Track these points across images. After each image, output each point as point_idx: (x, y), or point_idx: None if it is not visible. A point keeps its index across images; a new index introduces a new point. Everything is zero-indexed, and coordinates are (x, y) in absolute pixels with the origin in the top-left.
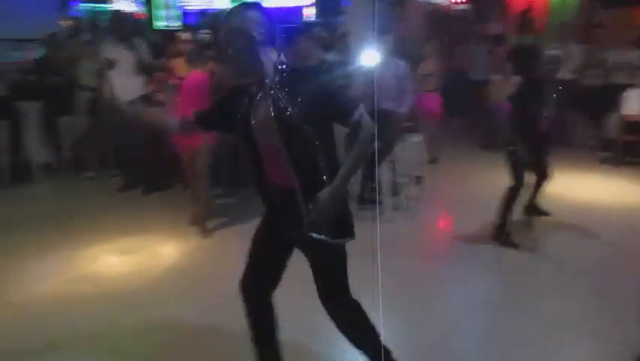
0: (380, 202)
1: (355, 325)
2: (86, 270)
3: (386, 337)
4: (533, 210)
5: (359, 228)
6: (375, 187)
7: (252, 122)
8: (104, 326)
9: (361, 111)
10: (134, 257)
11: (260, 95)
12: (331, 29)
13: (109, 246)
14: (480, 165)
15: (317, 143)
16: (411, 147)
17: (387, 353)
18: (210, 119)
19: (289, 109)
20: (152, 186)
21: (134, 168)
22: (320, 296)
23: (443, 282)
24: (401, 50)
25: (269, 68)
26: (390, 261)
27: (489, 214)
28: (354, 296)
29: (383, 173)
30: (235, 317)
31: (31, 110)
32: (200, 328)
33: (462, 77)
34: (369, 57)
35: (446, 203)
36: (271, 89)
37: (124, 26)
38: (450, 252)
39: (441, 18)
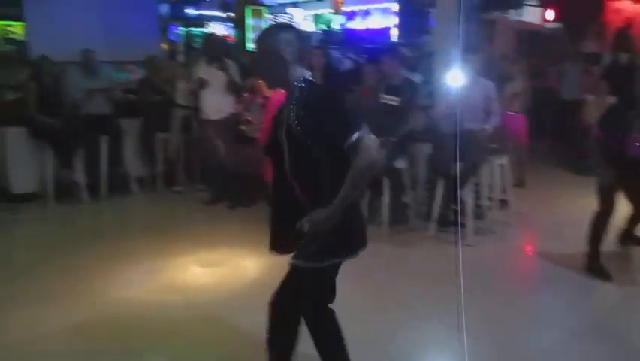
0: (462, 225)
1: (283, 342)
2: (173, 280)
3: None
4: (630, 240)
5: (440, 251)
6: (457, 209)
7: (278, 135)
8: (186, 334)
9: (362, 135)
10: (217, 269)
11: (284, 110)
12: (417, 49)
13: (194, 258)
14: (570, 189)
15: (321, 162)
16: (496, 170)
17: None
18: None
19: (295, 126)
20: (236, 202)
21: (220, 184)
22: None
23: (528, 310)
24: (488, 69)
25: (293, 85)
26: (472, 286)
27: (580, 242)
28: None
29: (467, 195)
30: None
31: (131, 126)
32: None
33: (552, 97)
34: (455, 77)
35: (533, 228)
36: (290, 105)
37: (215, 48)
38: (536, 280)
39: (531, 37)
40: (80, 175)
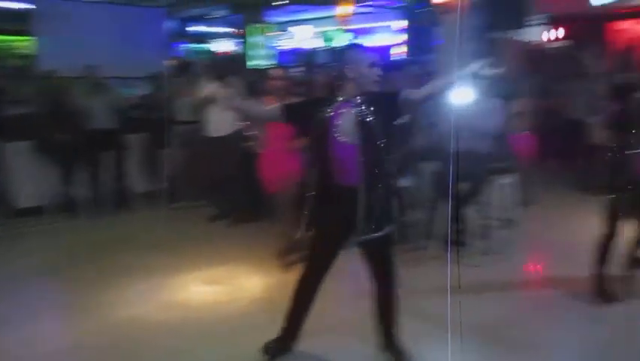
0: (464, 244)
1: None
2: (175, 297)
3: None
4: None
5: (442, 271)
6: (460, 229)
7: None
8: (186, 353)
9: None
10: (219, 288)
11: None
12: (422, 67)
13: (196, 275)
14: (579, 209)
15: None
16: (503, 189)
17: None
18: None
19: None
20: (239, 219)
21: (223, 200)
22: None
23: (533, 332)
24: (494, 88)
25: None
26: (475, 307)
27: (587, 264)
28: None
29: (471, 214)
30: (314, 353)
31: (135, 142)
32: None
33: (559, 116)
34: (460, 95)
35: (540, 249)
36: None
37: (219, 65)
38: (542, 302)
39: (537, 55)
40: (83, 190)
